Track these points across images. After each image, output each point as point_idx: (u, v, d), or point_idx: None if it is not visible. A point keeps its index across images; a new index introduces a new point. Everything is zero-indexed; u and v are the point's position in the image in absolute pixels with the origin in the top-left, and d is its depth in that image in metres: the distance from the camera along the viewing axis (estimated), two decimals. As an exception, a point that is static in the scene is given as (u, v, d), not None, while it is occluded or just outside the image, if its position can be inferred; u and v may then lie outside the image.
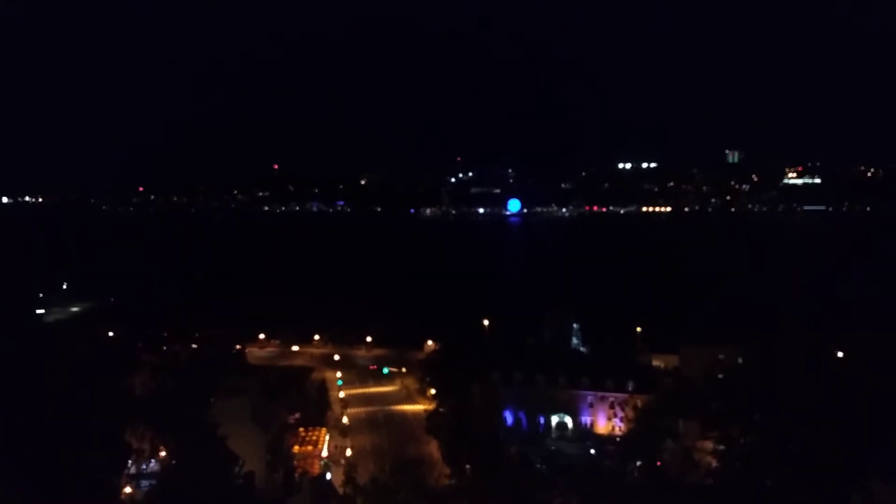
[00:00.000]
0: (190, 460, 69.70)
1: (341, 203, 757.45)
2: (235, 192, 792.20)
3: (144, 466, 77.39)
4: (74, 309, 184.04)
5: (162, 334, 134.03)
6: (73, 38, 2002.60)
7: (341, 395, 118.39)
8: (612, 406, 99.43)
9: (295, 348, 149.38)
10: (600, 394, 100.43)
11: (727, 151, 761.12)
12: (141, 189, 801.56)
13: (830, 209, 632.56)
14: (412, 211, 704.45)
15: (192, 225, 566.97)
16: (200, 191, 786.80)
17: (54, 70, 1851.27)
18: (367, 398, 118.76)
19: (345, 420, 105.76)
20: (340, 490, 76.82)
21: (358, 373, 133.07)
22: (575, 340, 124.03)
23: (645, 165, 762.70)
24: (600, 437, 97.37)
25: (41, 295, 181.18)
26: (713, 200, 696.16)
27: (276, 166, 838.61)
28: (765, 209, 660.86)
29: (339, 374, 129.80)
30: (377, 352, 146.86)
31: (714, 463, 69.98)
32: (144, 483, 74.10)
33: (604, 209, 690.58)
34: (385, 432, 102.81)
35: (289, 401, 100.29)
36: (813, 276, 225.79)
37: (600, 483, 66.73)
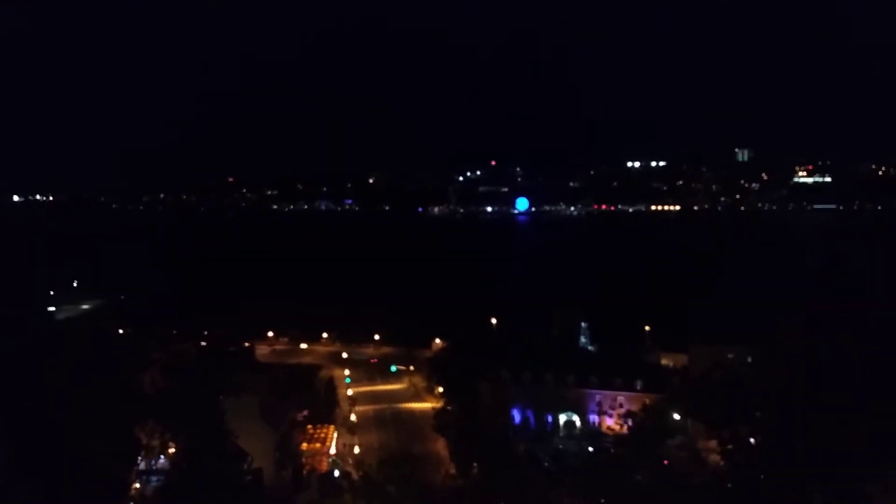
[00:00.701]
0: (199, 457, 70.03)
1: (349, 202, 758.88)
2: (244, 190, 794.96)
3: (154, 463, 77.81)
4: (85, 307, 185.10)
5: (171, 332, 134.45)
6: (83, 37, 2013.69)
7: (349, 392, 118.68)
8: (620, 405, 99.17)
9: (303, 346, 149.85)
10: (609, 392, 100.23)
11: (737, 150, 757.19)
12: (150, 188, 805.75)
13: (841, 208, 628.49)
14: (420, 209, 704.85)
15: (201, 223, 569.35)
16: (209, 189, 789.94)
17: (64, 69, 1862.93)
18: (375, 396, 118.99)
19: (353, 418, 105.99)
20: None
21: (366, 370, 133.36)
22: (583, 339, 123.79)
23: (654, 164, 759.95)
24: (609, 435, 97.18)
25: (52, 293, 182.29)
26: (723, 199, 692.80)
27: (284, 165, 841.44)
28: (775, 208, 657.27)
29: (347, 372, 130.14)
30: (385, 350, 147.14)
31: (721, 462, 69.77)
32: (154, 479, 74.53)
33: (612, 208, 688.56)
34: (393, 430, 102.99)
35: (297, 398, 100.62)
36: (822, 275, 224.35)
37: (607, 482, 66.61)
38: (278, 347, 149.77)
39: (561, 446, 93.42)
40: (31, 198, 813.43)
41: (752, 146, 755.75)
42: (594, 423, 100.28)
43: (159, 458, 78.33)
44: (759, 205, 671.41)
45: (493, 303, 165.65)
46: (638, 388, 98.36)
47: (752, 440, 68.19)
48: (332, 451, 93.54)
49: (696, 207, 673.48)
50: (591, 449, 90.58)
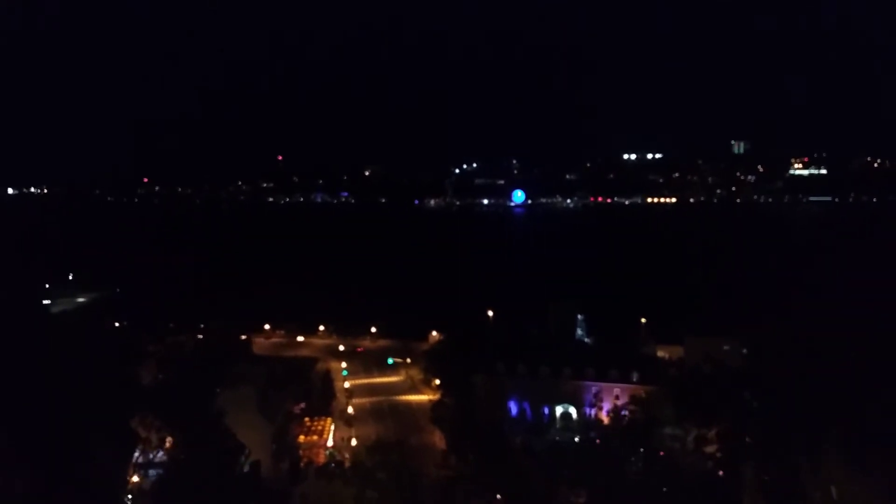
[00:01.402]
0: (196, 450, 70.25)
1: (345, 194, 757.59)
2: (240, 183, 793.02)
3: (152, 456, 77.90)
4: (80, 300, 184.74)
5: (167, 325, 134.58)
6: (79, 28, 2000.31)
7: (346, 385, 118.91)
8: (616, 397, 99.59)
9: (300, 339, 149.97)
10: (605, 384, 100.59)
11: (733, 142, 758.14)
12: (146, 180, 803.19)
13: (836, 200, 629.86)
14: (416, 202, 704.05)
15: (196, 216, 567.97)
16: (205, 182, 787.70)
17: (59, 63, 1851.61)
18: (371, 388, 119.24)
19: (350, 410, 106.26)
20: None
21: (363, 363, 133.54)
22: (579, 331, 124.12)
23: (650, 156, 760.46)
24: (604, 427, 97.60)
25: (47, 286, 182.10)
26: (718, 191, 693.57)
27: (280, 158, 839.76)
28: (770, 200, 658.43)
29: (343, 365, 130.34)
30: (382, 342, 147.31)
31: (715, 452, 70.31)
32: (152, 472, 74.67)
33: (608, 200, 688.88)
34: (390, 422, 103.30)
35: (294, 391, 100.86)
36: (817, 268, 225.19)
37: (602, 472, 67.05)
38: (275, 340, 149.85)
39: (557, 438, 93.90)
40: (25, 190, 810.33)
41: (749, 139, 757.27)
42: (590, 415, 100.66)
43: (157, 450, 78.45)
44: (755, 197, 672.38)
45: (490, 295, 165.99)
46: (633, 380, 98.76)
47: (743, 430, 68.83)
48: (330, 443, 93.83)
49: (692, 200, 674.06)
50: (586, 440, 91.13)
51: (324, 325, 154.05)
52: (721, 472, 66.53)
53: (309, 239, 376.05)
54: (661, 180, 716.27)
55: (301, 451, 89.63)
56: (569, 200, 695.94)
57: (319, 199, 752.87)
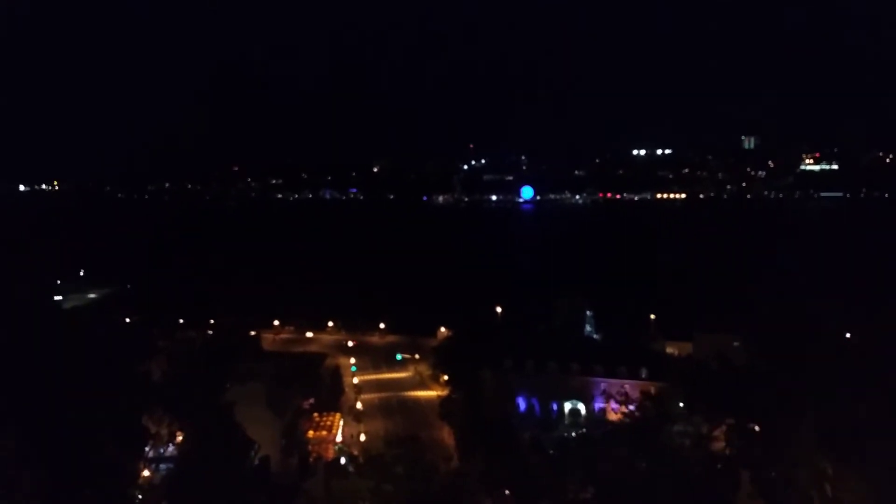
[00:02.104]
0: (206, 445, 70.59)
1: (354, 190, 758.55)
2: (249, 179, 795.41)
3: (162, 450, 78.36)
4: (91, 295, 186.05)
5: (177, 320, 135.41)
6: (87, 25, 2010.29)
7: (355, 380, 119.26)
8: (625, 393, 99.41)
9: (309, 335, 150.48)
10: (613, 381, 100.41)
11: (743, 137, 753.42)
12: (155, 177, 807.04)
13: (848, 195, 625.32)
14: (424, 198, 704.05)
15: (206, 212, 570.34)
16: (214, 178, 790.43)
17: (70, 60, 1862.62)
18: (380, 384, 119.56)
19: (359, 406, 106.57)
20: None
21: (371, 359, 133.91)
22: (588, 327, 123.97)
23: (659, 152, 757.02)
24: (613, 424, 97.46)
25: (59, 282, 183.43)
26: (728, 187, 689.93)
27: (289, 155, 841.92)
28: (781, 196, 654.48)
29: (352, 361, 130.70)
30: (391, 338, 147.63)
31: (724, 449, 70.10)
32: (162, 467, 75.14)
33: (618, 196, 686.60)
34: (399, 418, 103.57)
35: (303, 386, 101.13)
36: (828, 263, 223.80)
37: (611, 469, 66.97)
38: (284, 336, 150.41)
39: (565, 434, 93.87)
40: (36, 187, 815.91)
41: (759, 134, 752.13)
42: (599, 411, 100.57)
43: (167, 445, 78.93)
44: (766, 193, 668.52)
45: (498, 291, 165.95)
46: (643, 376, 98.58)
47: (753, 427, 68.56)
48: (339, 438, 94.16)
49: (701, 195, 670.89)
50: (595, 437, 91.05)
51: (332, 321, 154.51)
52: (729, 470, 66.33)
53: (317, 235, 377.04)
54: (670, 176, 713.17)
55: (310, 447, 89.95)
56: (578, 196, 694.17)
57: (328, 196, 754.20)
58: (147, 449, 75.31)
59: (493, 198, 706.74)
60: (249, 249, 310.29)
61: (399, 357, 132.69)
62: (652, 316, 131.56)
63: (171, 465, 73.58)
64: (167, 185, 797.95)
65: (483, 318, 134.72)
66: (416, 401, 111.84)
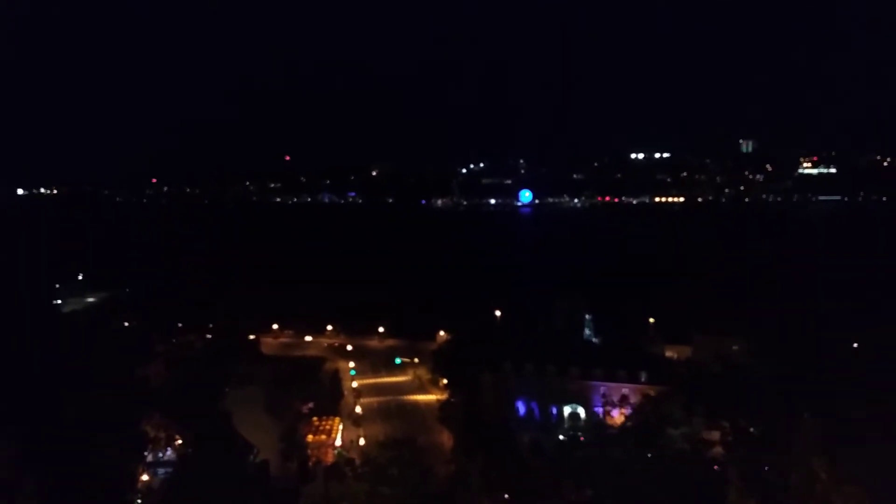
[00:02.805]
0: (205, 449, 70.58)
1: (353, 194, 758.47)
2: (247, 183, 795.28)
3: (161, 454, 78.34)
4: (90, 300, 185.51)
5: (176, 325, 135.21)
6: (85, 28, 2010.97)
7: (354, 384, 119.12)
8: (624, 397, 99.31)
9: (308, 338, 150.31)
10: (613, 384, 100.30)
11: (741, 141, 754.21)
12: (154, 181, 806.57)
13: (846, 199, 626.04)
14: (423, 202, 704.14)
15: (204, 216, 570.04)
16: (213, 182, 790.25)
17: (68, 64, 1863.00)
18: (379, 388, 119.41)
19: (358, 409, 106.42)
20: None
21: (371, 363, 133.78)
22: (587, 331, 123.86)
23: (658, 156, 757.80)
24: (613, 427, 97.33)
25: (57, 286, 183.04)
26: (727, 191, 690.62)
27: (287, 158, 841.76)
28: (779, 199, 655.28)
29: (352, 364, 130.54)
30: (390, 342, 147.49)
31: (723, 452, 70.09)
32: (161, 471, 75.06)
33: (616, 200, 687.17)
34: (398, 422, 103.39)
35: (302, 390, 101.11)
36: (827, 267, 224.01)
37: (611, 472, 66.91)
38: (283, 340, 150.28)
39: (564, 438, 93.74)
40: (34, 191, 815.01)
41: (756, 137, 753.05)
42: (599, 414, 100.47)
43: (166, 449, 78.87)
44: (764, 196, 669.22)
45: (497, 295, 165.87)
46: (642, 380, 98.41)
47: (752, 431, 68.55)
48: (338, 442, 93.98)
49: (699, 199, 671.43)
50: (594, 440, 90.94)
51: (331, 325, 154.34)
52: (727, 473, 66.32)
53: (316, 239, 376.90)
54: (668, 179, 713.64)
55: (309, 451, 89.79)
56: (576, 200, 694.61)
57: (327, 200, 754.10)
58: (146, 453, 75.32)
59: (492, 201, 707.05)
60: (248, 253, 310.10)
61: (398, 361, 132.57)
62: (651, 319, 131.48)
63: (169, 470, 73.52)
64: (165, 188, 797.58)
65: (482, 321, 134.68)
66: (416, 404, 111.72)
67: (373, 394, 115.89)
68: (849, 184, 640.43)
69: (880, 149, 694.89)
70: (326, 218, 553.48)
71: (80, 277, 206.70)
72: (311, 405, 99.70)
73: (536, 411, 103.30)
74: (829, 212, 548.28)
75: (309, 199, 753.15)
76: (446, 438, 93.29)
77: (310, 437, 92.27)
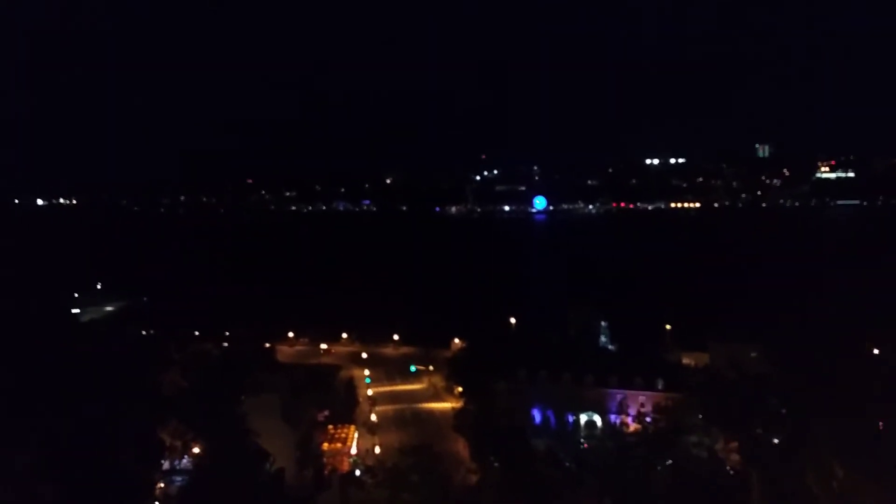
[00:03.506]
0: (221, 457, 70.85)
1: (367, 202, 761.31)
2: (263, 192, 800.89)
3: (177, 463, 78.75)
4: (108, 308, 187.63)
5: (192, 333, 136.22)
6: (96, 34, 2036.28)
7: (369, 392, 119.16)
8: (641, 404, 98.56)
9: (323, 346, 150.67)
10: (629, 392, 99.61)
11: (757, 146, 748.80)
12: (170, 190, 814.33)
13: (865, 203, 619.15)
14: (437, 209, 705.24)
15: (220, 224, 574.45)
16: (228, 191, 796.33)
17: (84, 76, 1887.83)
18: (394, 396, 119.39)
19: (373, 418, 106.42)
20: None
21: (386, 371, 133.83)
22: (603, 338, 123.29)
23: (673, 161, 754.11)
24: (630, 435, 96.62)
25: (76, 295, 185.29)
26: (743, 196, 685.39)
27: (303, 167, 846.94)
28: (797, 204, 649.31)
29: (367, 372, 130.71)
30: (405, 350, 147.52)
31: (740, 460, 69.32)
32: (177, 479, 75.45)
33: (631, 206, 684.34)
34: (413, 430, 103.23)
35: (318, 398, 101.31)
36: (845, 272, 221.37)
37: (628, 481, 66.41)
38: (298, 348, 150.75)
39: (581, 446, 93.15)
40: (54, 201, 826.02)
41: (773, 141, 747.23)
42: (615, 422, 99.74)
43: (183, 458, 79.27)
44: (781, 201, 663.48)
45: (512, 302, 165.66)
46: (659, 387, 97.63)
47: (770, 439, 67.76)
48: (353, 451, 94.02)
49: (716, 205, 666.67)
50: (611, 448, 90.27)
51: (346, 333, 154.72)
52: (744, 482, 65.61)
53: (331, 247, 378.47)
54: (684, 185, 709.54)
55: (325, 459, 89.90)
56: (591, 206, 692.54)
57: (342, 207, 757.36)
58: (162, 461, 75.78)
59: (506, 208, 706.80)
60: (264, 261, 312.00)
61: (413, 368, 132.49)
62: (667, 326, 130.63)
63: (185, 478, 73.87)
64: (182, 197, 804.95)
65: (497, 328, 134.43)
66: (431, 412, 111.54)
67: (388, 402, 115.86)
68: (867, 188, 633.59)
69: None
70: (341, 226, 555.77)
71: (98, 286, 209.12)
72: (326, 413, 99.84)
73: (552, 419, 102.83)
74: (848, 216, 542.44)
75: (324, 208, 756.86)
76: (462, 447, 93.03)
77: (325, 446, 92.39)
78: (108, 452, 61.63)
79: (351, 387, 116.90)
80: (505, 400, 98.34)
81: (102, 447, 61.13)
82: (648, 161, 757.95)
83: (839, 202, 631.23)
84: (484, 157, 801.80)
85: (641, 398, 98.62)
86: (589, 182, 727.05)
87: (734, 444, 72.12)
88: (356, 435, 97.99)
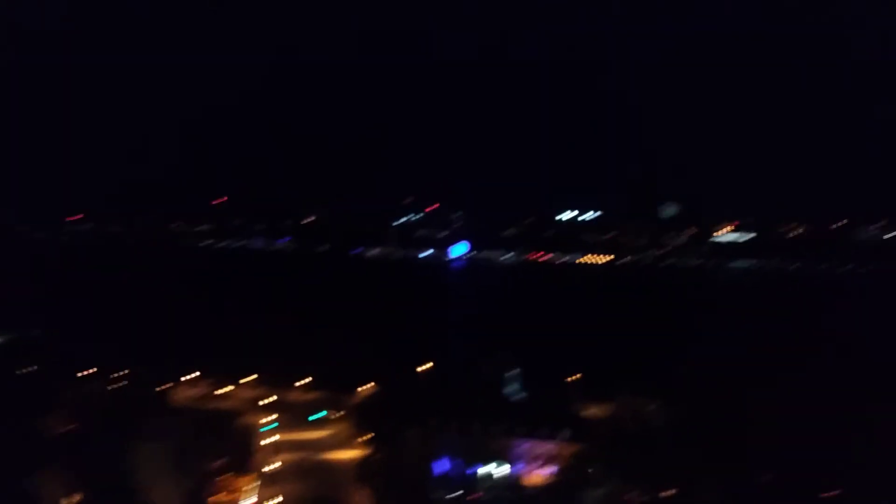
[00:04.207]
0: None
1: (286, 240, 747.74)
2: (174, 224, 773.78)
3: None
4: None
5: (85, 370, 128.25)
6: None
7: (271, 440, 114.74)
8: (546, 455, 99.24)
9: (225, 390, 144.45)
10: (536, 442, 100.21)
11: (664, 204, 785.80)
12: (75, 217, 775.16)
13: (761, 264, 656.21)
14: (357, 251, 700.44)
15: (125, 256, 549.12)
16: (138, 221, 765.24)
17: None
18: (299, 444, 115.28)
19: (274, 466, 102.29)
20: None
21: (291, 416, 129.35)
22: (513, 386, 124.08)
23: (585, 216, 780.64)
24: (534, 486, 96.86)
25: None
26: (651, 252, 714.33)
27: (222, 199, 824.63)
28: (700, 263, 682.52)
29: (269, 418, 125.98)
30: (311, 395, 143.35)
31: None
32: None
33: (546, 257, 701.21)
34: (316, 479, 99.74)
35: (214, 446, 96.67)
36: (742, 331, 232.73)
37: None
38: (197, 390, 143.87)
39: (487, 496, 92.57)
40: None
41: (679, 202, 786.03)
42: (519, 472, 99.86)
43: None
44: (684, 259, 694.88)
45: (425, 348, 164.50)
46: (564, 437, 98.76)
47: (664, 492, 69.47)
48: (252, 501, 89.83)
49: (624, 259, 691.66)
50: (516, 498, 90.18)
51: (250, 376, 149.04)
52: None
53: (242, 284, 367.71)
54: (596, 239, 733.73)
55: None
56: (508, 255, 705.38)
57: (259, 245, 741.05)
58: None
59: (425, 253, 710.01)
60: (168, 297, 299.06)
61: (318, 415, 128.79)
62: (574, 377, 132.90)
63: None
64: (86, 225, 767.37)
65: (407, 375, 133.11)
66: (336, 461, 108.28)
67: (292, 450, 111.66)
68: (767, 250, 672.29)
69: (797, 216, 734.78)
70: (256, 263, 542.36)
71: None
72: (223, 462, 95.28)
73: (458, 468, 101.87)
74: (747, 277, 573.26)
75: (240, 244, 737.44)
76: (366, 496, 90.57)
77: (221, 496, 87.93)
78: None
79: (251, 434, 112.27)
80: (413, 449, 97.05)
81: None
82: (562, 215, 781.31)
83: (735, 264, 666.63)
84: (407, 200, 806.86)
85: (547, 447, 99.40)
86: (507, 231, 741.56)
87: (634, 494, 73.42)
88: (255, 485, 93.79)
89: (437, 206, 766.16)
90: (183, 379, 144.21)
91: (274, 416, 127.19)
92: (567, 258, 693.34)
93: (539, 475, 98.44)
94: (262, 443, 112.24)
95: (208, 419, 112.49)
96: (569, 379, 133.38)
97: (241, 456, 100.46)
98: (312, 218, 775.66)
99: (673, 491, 71.54)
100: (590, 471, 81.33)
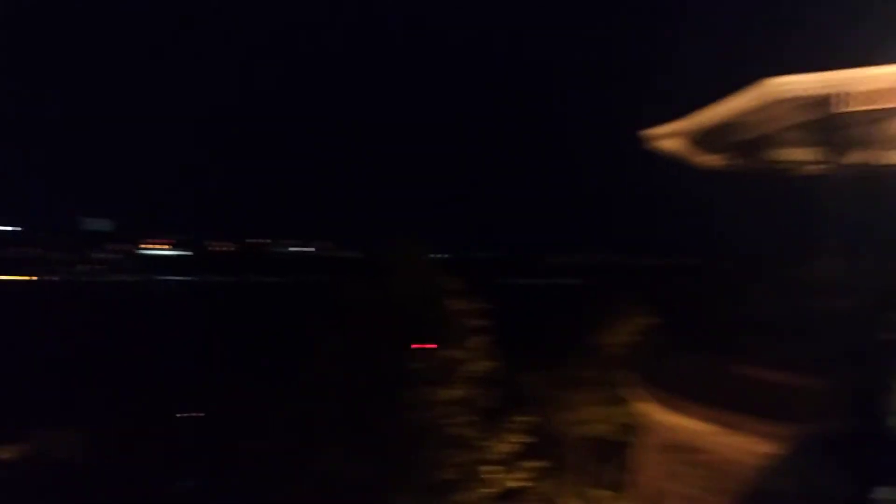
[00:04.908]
0: None
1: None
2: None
3: None
4: None
5: None
6: None
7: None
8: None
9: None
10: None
11: (91, 219, 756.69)
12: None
13: (197, 280, 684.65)
14: None
15: None
16: None
17: None
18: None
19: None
20: None
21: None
22: None
23: (8, 228, 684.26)
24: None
25: None
26: (79, 268, 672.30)
27: None
28: (126, 279, 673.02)
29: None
30: None
31: None
32: None
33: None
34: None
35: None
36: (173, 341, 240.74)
37: None
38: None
39: None
40: None
41: (113, 217, 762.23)
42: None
43: None
44: (112, 275, 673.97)
45: None
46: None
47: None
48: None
49: (50, 278, 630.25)
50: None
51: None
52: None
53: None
54: (16, 256, 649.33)
55: None
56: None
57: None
58: None
59: None
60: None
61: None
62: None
63: None
64: None
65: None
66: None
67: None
68: (201, 266, 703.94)
69: (224, 235, 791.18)
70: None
71: None
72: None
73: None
74: (179, 290, 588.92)
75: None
76: None
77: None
78: None
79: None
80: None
81: None
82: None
83: (172, 277, 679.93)
84: None
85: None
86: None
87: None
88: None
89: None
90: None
91: None
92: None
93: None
94: None
95: None
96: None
97: None
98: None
99: None
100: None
